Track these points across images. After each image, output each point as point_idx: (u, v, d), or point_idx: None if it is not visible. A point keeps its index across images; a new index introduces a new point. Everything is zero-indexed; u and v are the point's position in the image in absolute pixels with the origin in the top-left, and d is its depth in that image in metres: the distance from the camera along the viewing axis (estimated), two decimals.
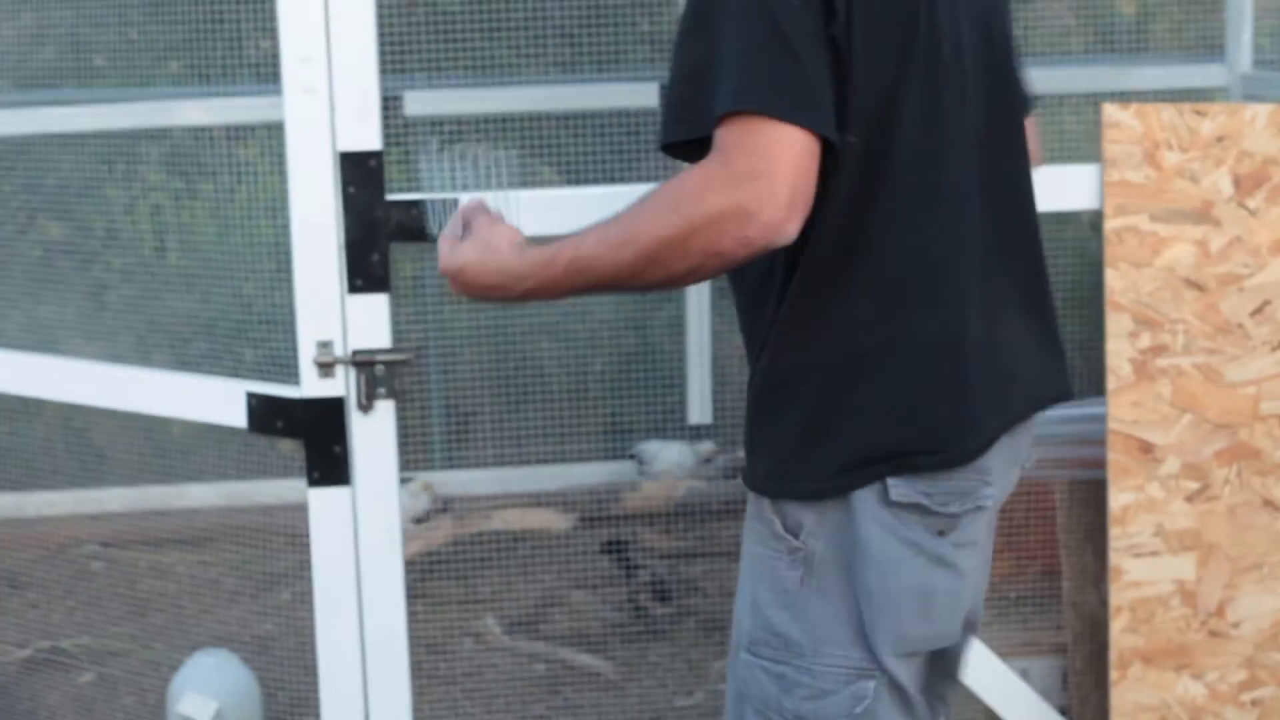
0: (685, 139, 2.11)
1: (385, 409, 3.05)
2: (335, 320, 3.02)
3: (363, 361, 3.02)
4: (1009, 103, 2.33)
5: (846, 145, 2.08)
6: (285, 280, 4.39)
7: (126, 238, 4.78)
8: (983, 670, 3.13)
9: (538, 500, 4.55)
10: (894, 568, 2.17)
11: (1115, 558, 2.99)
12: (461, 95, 4.73)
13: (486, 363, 4.65)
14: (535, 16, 4.81)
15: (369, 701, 3.13)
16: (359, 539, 3.10)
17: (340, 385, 3.03)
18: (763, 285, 2.22)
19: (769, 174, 2.00)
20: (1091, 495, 3.21)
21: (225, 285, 4.65)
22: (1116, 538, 2.99)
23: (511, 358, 4.54)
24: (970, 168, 2.22)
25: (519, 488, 4.68)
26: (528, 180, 4.69)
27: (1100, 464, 3.12)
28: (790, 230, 2.03)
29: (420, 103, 4.60)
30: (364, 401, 3.03)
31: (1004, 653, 3.16)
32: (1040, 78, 4.52)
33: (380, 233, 3.00)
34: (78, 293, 4.82)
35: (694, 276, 2.12)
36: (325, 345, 3.02)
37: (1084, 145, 4.46)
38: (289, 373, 3.67)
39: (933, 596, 2.20)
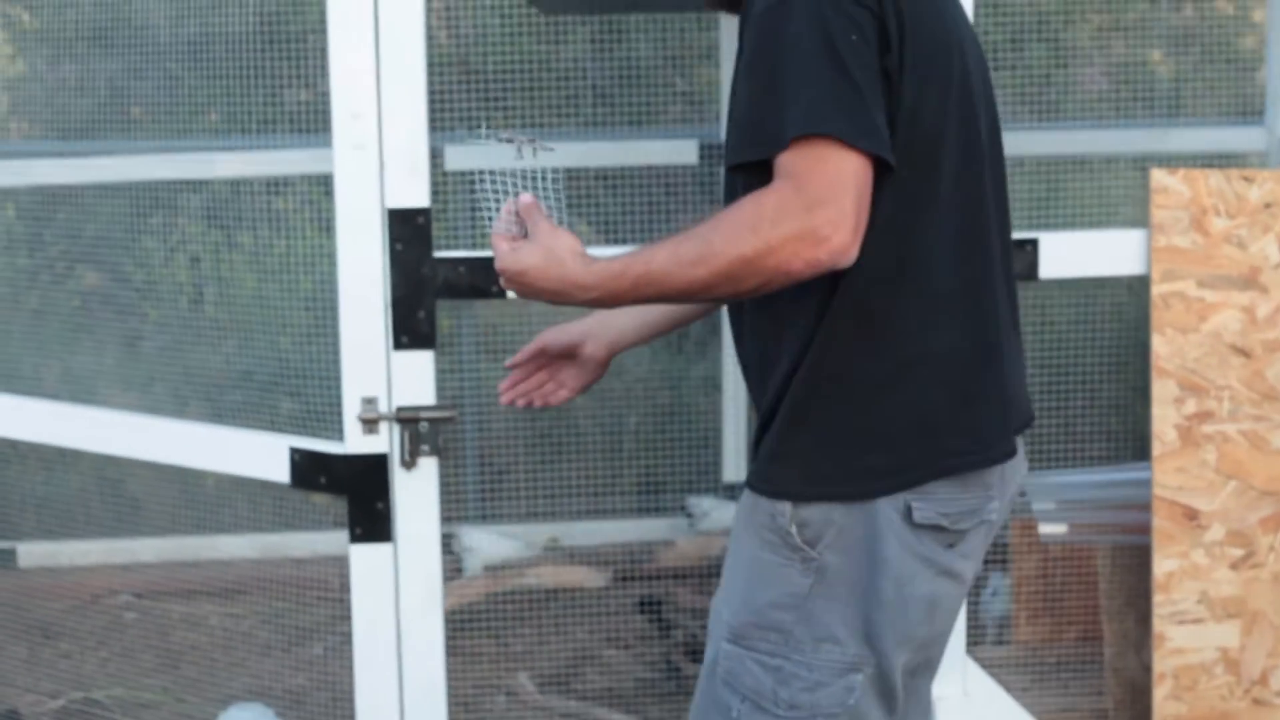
0: (754, 160, 2.23)
1: (428, 466, 3.06)
2: (380, 376, 3.04)
3: (407, 418, 3.03)
4: (999, 142, 2.49)
5: (894, 169, 2.22)
6: (322, 334, 4.41)
7: (164, 288, 4.79)
8: None
9: (571, 556, 4.54)
10: (909, 579, 2.33)
11: (1159, 624, 2.98)
12: (502, 150, 4.74)
13: (521, 417, 4.65)
14: (572, 74, 4.83)
15: None
16: (400, 595, 3.10)
17: (384, 442, 3.05)
18: (795, 301, 2.31)
19: (838, 200, 2.15)
20: (1134, 560, 3.20)
21: (262, 337, 4.66)
22: (1160, 604, 2.97)
23: (546, 413, 4.54)
24: (989, 197, 2.38)
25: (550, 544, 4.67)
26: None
27: (1142, 529, 3.11)
28: (854, 253, 2.18)
29: (462, 158, 4.62)
30: (407, 458, 3.04)
31: (1041, 717, 3.14)
32: (1076, 140, 4.56)
33: (427, 290, 3.02)
34: (114, 342, 4.83)
35: (758, 292, 2.24)
36: (370, 401, 3.04)
37: (1120, 208, 4.47)
38: (325, 426, 3.69)
39: (938, 603, 2.38)
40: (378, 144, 3.00)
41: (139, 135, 4.76)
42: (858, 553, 2.33)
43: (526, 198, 2.43)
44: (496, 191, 2.52)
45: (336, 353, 3.97)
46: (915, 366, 2.31)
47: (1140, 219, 4.32)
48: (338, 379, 3.82)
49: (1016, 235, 3.03)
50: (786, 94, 2.19)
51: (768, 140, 2.20)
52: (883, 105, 2.21)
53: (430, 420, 3.03)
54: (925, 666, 2.56)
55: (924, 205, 2.30)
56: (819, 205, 2.15)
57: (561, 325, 2.79)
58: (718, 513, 4.60)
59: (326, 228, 4.66)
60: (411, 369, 3.04)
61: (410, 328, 3.03)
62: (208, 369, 4.66)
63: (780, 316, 2.37)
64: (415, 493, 3.06)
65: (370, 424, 3.03)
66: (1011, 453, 2.39)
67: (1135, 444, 3.97)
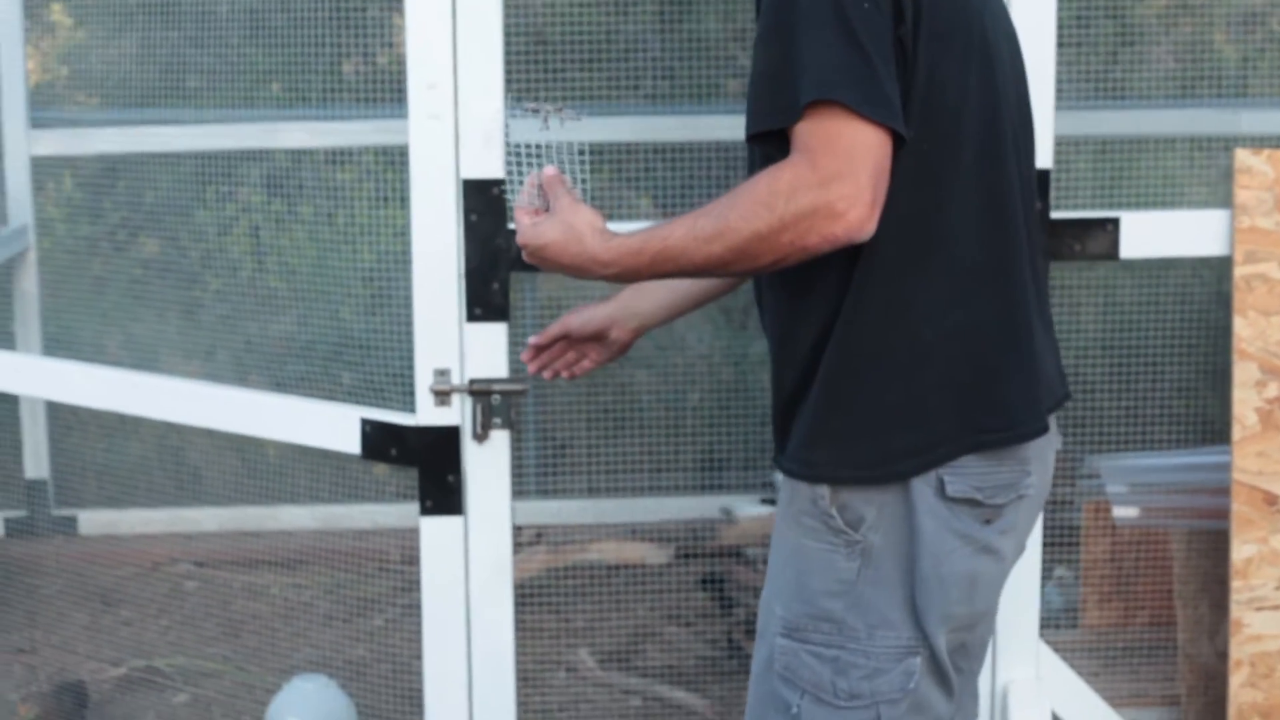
0: (770, 129, 2.23)
1: (500, 439, 3.05)
2: (453, 348, 3.02)
3: (480, 390, 3.02)
4: (1029, 118, 2.48)
5: (910, 141, 2.21)
6: (384, 305, 4.41)
7: (225, 258, 4.79)
8: (1093, 719, 3.10)
9: (630, 532, 4.53)
10: (946, 556, 2.32)
11: (1236, 611, 2.95)
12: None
13: (582, 393, 4.64)
14: (634, 48, 4.80)
15: None
16: (469, 567, 3.09)
17: (456, 414, 3.03)
18: (818, 278, 2.31)
19: (854, 174, 2.15)
20: (1209, 546, 3.18)
21: (323, 309, 4.66)
22: (1238, 590, 2.95)
23: (607, 388, 4.53)
24: (1015, 172, 2.37)
25: (611, 519, 4.67)
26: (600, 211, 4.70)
27: (1218, 514, 3.09)
28: (871, 227, 2.17)
29: (523, 130, 4.59)
30: (479, 431, 3.03)
31: (1112, 703, 3.12)
32: (1145, 119, 4.52)
33: (501, 261, 3.00)
34: (175, 311, 4.84)
35: (775, 267, 2.25)
36: (442, 373, 3.02)
37: (1189, 189, 4.44)
38: (385, 398, 3.68)
39: (977, 580, 2.37)
40: (453, 114, 2.98)
41: (200, 105, 4.77)
42: (899, 531, 2.33)
43: (550, 170, 2.46)
44: (521, 164, 2.54)
45: (398, 324, 3.97)
46: (942, 343, 2.30)
47: (1208, 199, 4.29)
48: (398, 351, 3.83)
49: (1096, 214, 3.02)
50: (799, 63, 2.18)
51: (782, 110, 2.20)
52: (896, 76, 2.20)
53: (503, 393, 3.02)
54: (970, 649, 2.54)
55: (946, 178, 2.29)
56: (834, 180, 2.15)
57: (585, 309, 2.82)
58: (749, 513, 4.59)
59: (387, 199, 4.67)
60: (484, 341, 3.02)
61: (484, 299, 3.01)
62: (268, 339, 4.67)
63: (803, 294, 2.36)
64: (487, 466, 3.05)
65: (443, 396, 3.02)
66: (1043, 429, 2.37)
67: (1201, 428, 3.95)
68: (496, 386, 3.02)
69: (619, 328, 2.79)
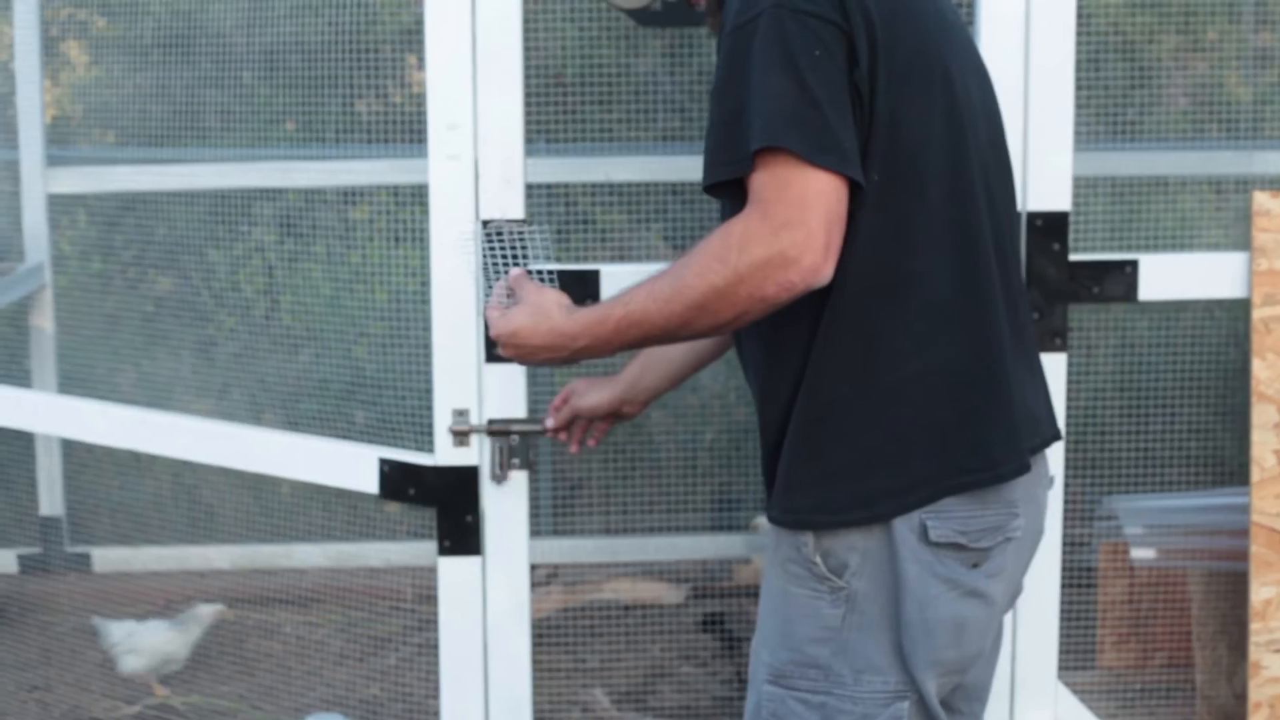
0: (725, 179, 2.25)
1: (519, 479, 3.06)
2: (471, 388, 3.03)
3: (498, 431, 3.02)
4: (1005, 158, 2.49)
5: (871, 185, 2.23)
6: (398, 344, 4.41)
7: (239, 296, 4.80)
8: None
9: (645, 571, 4.53)
10: (931, 602, 2.32)
11: (1255, 653, 2.95)
12: (576, 164, 4.75)
13: None
14: (646, 86, 4.82)
15: None
16: (487, 607, 3.09)
17: (474, 454, 3.04)
18: (788, 327, 2.33)
19: (805, 221, 2.17)
20: (1227, 587, 3.17)
21: (337, 347, 4.67)
22: (1257, 632, 2.94)
23: (622, 427, 4.51)
24: (984, 212, 2.37)
25: (626, 557, 4.66)
26: (614, 249, 4.71)
27: (1236, 556, 3.09)
28: (827, 272, 2.19)
29: (538, 170, 4.61)
30: (498, 471, 3.03)
31: None
32: (1159, 160, 4.53)
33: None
34: (188, 349, 4.85)
35: (739, 322, 2.26)
36: (461, 414, 3.03)
37: (1204, 230, 4.44)
38: (400, 436, 3.68)
39: (965, 625, 2.36)
40: (473, 154, 2.99)
41: (215, 143, 4.78)
42: (883, 577, 2.33)
43: (516, 272, 2.55)
44: (494, 253, 2.66)
45: (413, 364, 3.97)
46: (914, 383, 2.31)
47: (1223, 241, 4.30)
48: (413, 390, 3.82)
49: (1115, 256, 3.02)
50: (750, 114, 2.20)
51: (735, 161, 2.22)
52: (851, 121, 2.21)
53: (521, 433, 3.02)
54: (969, 690, 2.55)
55: (912, 220, 2.29)
56: (785, 228, 2.16)
57: (592, 391, 2.87)
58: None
59: (400, 238, 4.68)
60: (503, 381, 3.03)
61: None
62: (282, 378, 4.67)
63: (775, 345, 2.38)
64: (505, 506, 3.06)
65: (461, 436, 3.02)
66: (1023, 469, 2.36)
67: (1216, 469, 3.94)
68: (515, 427, 3.02)
69: (629, 404, 2.85)
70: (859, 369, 2.31)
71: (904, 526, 2.31)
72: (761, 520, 4.55)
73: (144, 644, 4.13)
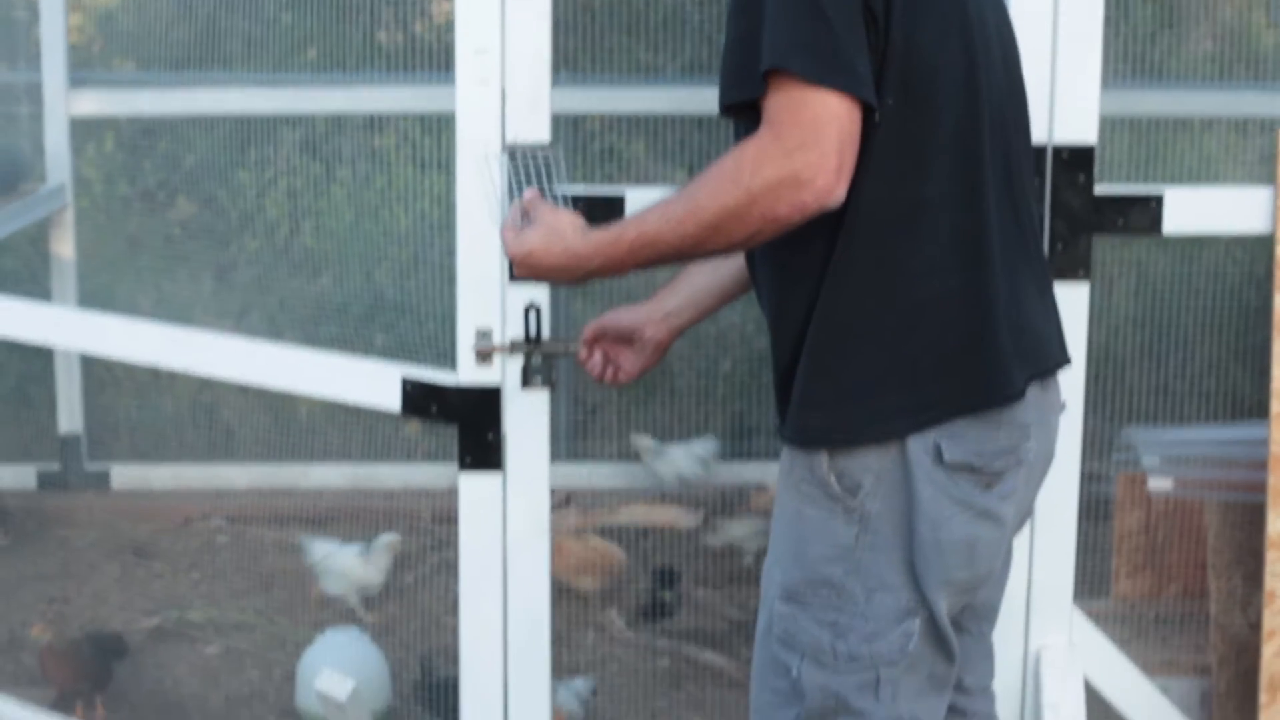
0: (740, 101, 2.26)
1: (540, 398, 3.07)
2: (495, 309, 3.04)
3: (522, 351, 3.03)
4: (1020, 86, 2.50)
5: (885, 108, 2.24)
6: (418, 269, 4.42)
7: (261, 220, 4.82)
8: (1125, 686, 3.12)
9: (661, 495, 4.56)
10: (944, 523, 2.35)
11: (1271, 582, 2.97)
12: (600, 94, 4.74)
13: None
14: (674, 17, 4.81)
15: (509, 683, 3.15)
16: (507, 524, 3.12)
17: (497, 374, 3.05)
18: (801, 250, 2.35)
19: (819, 143, 2.18)
20: (1243, 518, 3.19)
21: (358, 271, 4.69)
22: (1273, 561, 2.97)
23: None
24: (997, 141, 2.38)
25: (641, 483, 4.69)
26: (650, 160, 4.70)
27: (1253, 487, 3.10)
28: (840, 193, 2.21)
29: (562, 100, 4.61)
30: (521, 388, 3.05)
31: (1143, 671, 3.14)
32: (1184, 101, 4.52)
33: None
34: (210, 272, 4.87)
35: (751, 242, 2.29)
36: (485, 334, 3.04)
37: (1226, 170, 4.45)
38: (419, 361, 3.70)
39: (976, 546, 2.40)
40: (500, 79, 2.99)
41: (237, 69, 4.79)
42: (896, 497, 2.36)
43: (529, 193, 2.55)
44: (517, 175, 2.69)
45: (434, 289, 3.99)
46: (927, 306, 2.33)
47: (1245, 181, 4.30)
48: (433, 314, 3.85)
49: (1140, 190, 3.03)
50: (764, 36, 2.21)
51: (748, 82, 2.23)
52: (864, 43, 2.22)
53: (544, 354, 3.04)
54: (978, 610, 2.60)
55: (925, 145, 2.31)
56: (799, 149, 2.18)
57: (619, 310, 2.87)
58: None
59: (424, 165, 4.68)
60: (527, 300, 3.04)
61: None
62: (303, 301, 4.69)
63: (788, 268, 2.39)
64: (526, 424, 3.07)
65: (484, 355, 3.04)
66: (1020, 394, 2.38)
67: (1231, 405, 3.96)
68: (538, 347, 3.03)
69: (653, 325, 2.83)
70: (872, 292, 2.33)
71: (918, 448, 2.34)
72: (644, 439, 4.58)
73: (336, 566, 4.14)
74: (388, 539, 4.15)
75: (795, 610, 2.44)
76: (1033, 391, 2.43)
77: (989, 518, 2.40)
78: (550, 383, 3.06)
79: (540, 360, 3.05)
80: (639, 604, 4.11)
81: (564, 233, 2.44)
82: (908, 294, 2.33)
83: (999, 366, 2.37)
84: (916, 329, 2.33)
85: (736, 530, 4.36)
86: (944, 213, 2.32)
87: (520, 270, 2.48)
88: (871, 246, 2.31)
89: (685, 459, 4.58)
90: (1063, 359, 2.53)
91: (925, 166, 2.31)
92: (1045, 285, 2.53)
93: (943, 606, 2.41)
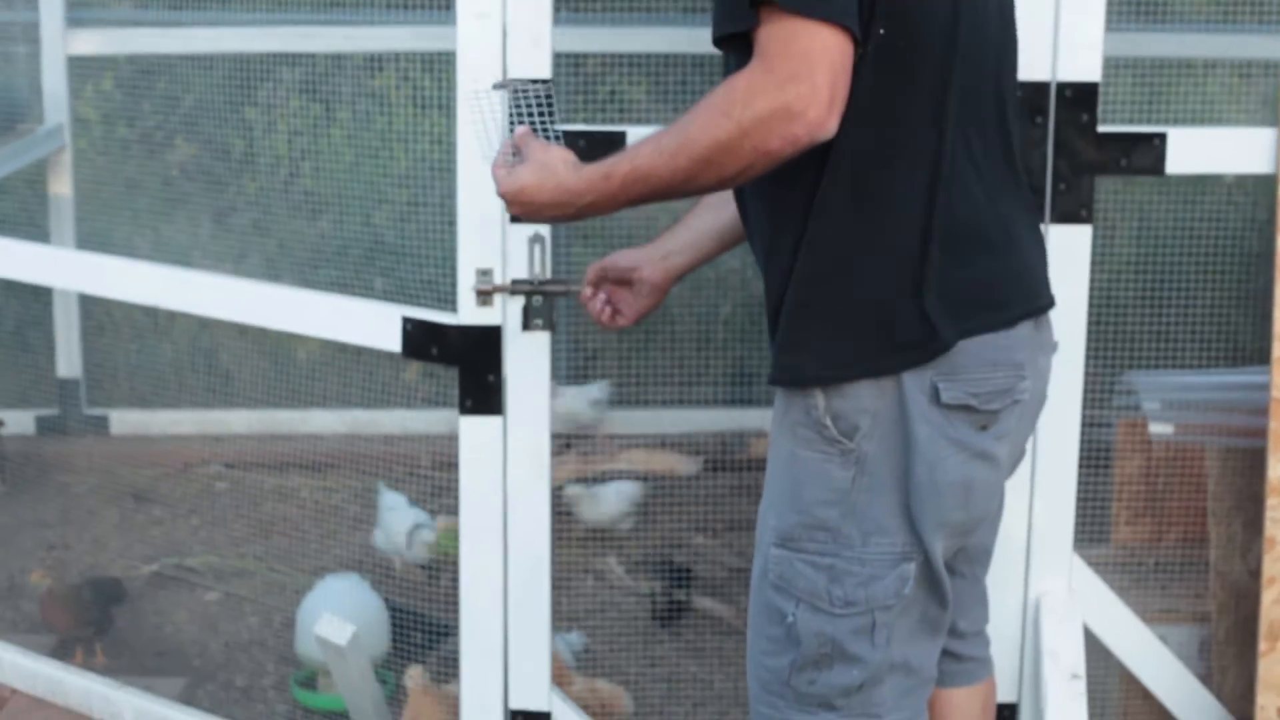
0: (731, 33, 2.23)
1: (541, 339, 3.06)
2: (495, 249, 3.02)
3: (522, 290, 3.02)
4: (1011, 22, 2.48)
5: (875, 42, 2.23)
6: (417, 211, 4.40)
7: (260, 161, 4.79)
8: (1124, 633, 3.12)
9: (660, 442, 4.55)
10: (941, 463, 2.35)
11: (1271, 528, 2.97)
12: (601, 33, 4.71)
13: None
14: None
15: (509, 627, 3.15)
16: (508, 468, 3.11)
17: (497, 314, 3.04)
18: (789, 186, 2.33)
19: (810, 75, 2.15)
20: (1244, 464, 3.18)
21: (357, 213, 4.67)
22: (1273, 508, 2.96)
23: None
24: (988, 77, 2.37)
25: (640, 429, 4.69)
26: (650, 101, 4.67)
27: (1254, 433, 3.09)
28: (832, 126, 2.19)
29: (563, 39, 4.58)
30: (521, 330, 3.04)
31: (1142, 618, 3.14)
32: (1185, 43, 4.49)
33: None
34: (208, 214, 4.85)
35: (744, 176, 2.26)
36: (485, 273, 3.03)
37: (1227, 113, 4.42)
38: (418, 303, 3.69)
39: (972, 486, 2.40)
40: (501, 14, 2.97)
41: (234, 8, 4.75)
42: (893, 439, 2.35)
43: (521, 130, 2.51)
44: (516, 111, 2.60)
45: (433, 231, 3.97)
46: (917, 241, 2.31)
47: (1247, 123, 4.27)
48: (432, 257, 3.83)
49: (1143, 129, 3.01)
50: None
51: (739, 15, 2.20)
52: None
53: (545, 294, 3.02)
54: (972, 554, 2.61)
55: (913, 77, 2.29)
56: (790, 81, 2.15)
57: (621, 251, 2.85)
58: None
59: (423, 106, 4.65)
60: (528, 241, 3.03)
61: None
62: (301, 243, 4.67)
63: (777, 204, 2.38)
64: (527, 366, 3.06)
65: (485, 296, 3.02)
66: (1012, 321, 2.37)
67: (1231, 350, 3.94)
68: (540, 287, 3.02)
69: (650, 266, 2.80)
70: (860, 227, 2.32)
71: (914, 388, 2.33)
72: None
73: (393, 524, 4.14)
74: (445, 521, 4.10)
75: (790, 555, 2.43)
76: (1025, 330, 2.42)
77: (985, 459, 2.39)
78: (551, 325, 3.05)
79: (541, 301, 3.04)
80: (656, 607, 4.06)
81: (555, 169, 2.41)
82: (897, 229, 2.31)
83: (997, 294, 2.37)
84: (907, 263, 2.31)
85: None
86: (932, 146, 2.31)
87: (513, 209, 2.46)
88: (856, 181, 2.30)
89: (576, 400, 4.58)
90: (1050, 301, 2.51)
91: (914, 98, 2.29)
92: (1034, 224, 2.53)
93: (938, 549, 2.41)
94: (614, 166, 2.36)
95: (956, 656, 2.72)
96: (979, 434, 2.37)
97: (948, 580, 2.46)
